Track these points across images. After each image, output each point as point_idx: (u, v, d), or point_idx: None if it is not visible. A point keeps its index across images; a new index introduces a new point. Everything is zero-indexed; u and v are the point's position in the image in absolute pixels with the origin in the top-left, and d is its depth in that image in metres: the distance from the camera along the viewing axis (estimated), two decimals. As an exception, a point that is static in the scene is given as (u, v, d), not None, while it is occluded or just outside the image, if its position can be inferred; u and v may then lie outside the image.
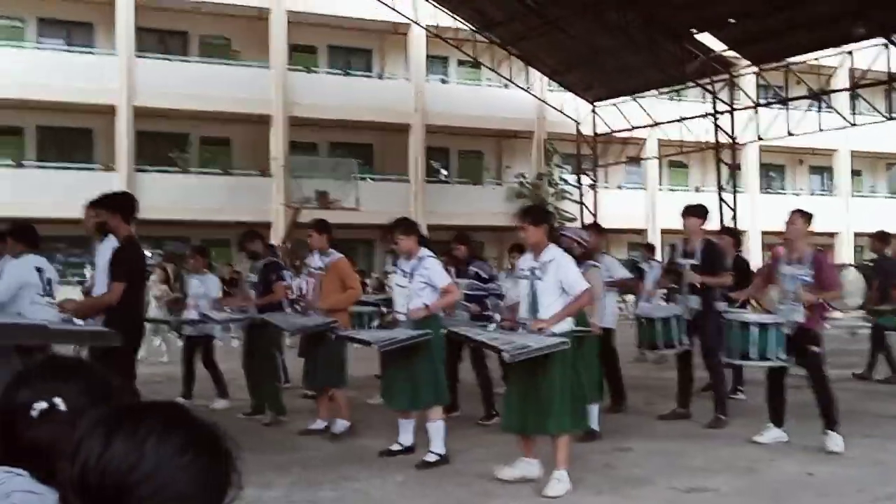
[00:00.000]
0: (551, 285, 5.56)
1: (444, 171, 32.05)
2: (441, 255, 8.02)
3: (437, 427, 6.35)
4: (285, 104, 27.24)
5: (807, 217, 6.84)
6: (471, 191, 29.79)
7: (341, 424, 7.40)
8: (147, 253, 10.75)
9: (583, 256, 7.35)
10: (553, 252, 5.67)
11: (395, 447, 6.58)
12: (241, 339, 9.63)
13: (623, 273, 8.75)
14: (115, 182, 22.41)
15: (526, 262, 5.78)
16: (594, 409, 7.14)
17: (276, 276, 8.38)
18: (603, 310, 7.82)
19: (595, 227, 8.98)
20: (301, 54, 28.90)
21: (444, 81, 31.46)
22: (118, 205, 6.10)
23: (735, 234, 10.42)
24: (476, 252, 8.38)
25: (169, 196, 24.07)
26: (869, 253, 14.04)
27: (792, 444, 6.70)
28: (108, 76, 25.03)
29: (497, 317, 7.93)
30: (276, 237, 21.82)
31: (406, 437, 6.61)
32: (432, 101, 29.23)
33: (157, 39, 27.46)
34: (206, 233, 25.32)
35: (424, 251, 6.52)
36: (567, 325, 5.62)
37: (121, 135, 25.39)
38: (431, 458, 6.26)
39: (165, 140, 27.46)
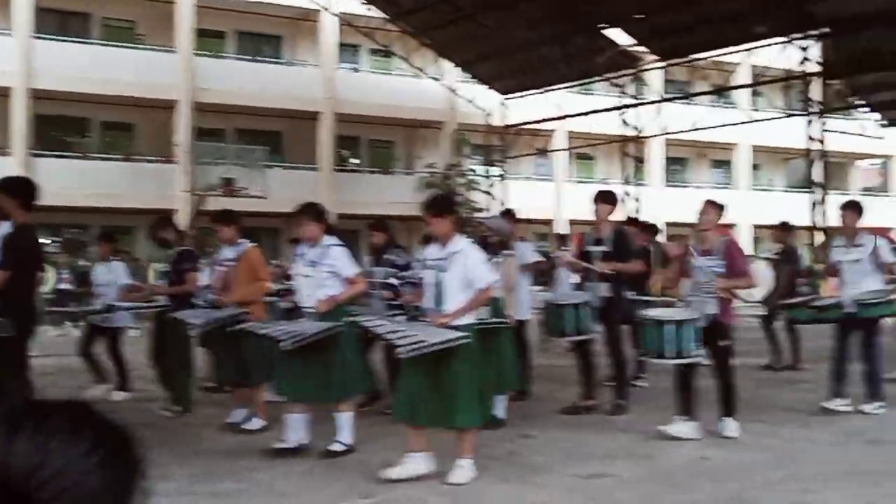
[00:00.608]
0: (457, 277, 5.49)
1: (354, 160, 31.86)
2: (357, 242, 7.95)
3: (346, 418, 6.22)
4: (191, 90, 26.62)
5: (719, 208, 6.89)
6: (381, 180, 29.69)
7: (257, 422, 7.16)
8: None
9: (499, 245, 7.39)
10: (460, 243, 5.60)
11: (283, 444, 6.26)
12: (147, 329, 9.31)
13: (534, 258, 8.71)
14: (9, 166, 21.55)
15: (433, 252, 5.69)
16: (502, 399, 7.19)
17: (191, 265, 8.05)
18: (522, 299, 7.84)
19: (509, 215, 8.94)
20: (208, 39, 28.26)
21: (355, 70, 31.23)
22: (17, 190, 5.85)
23: (650, 227, 10.52)
24: (394, 240, 8.26)
25: (67, 182, 23.25)
26: (768, 244, 14.51)
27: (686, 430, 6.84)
28: (2, 57, 24.05)
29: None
30: (181, 225, 21.33)
31: (296, 435, 6.29)
32: (343, 90, 28.98)
33: (58, 20, 26.48)
34: (107, 220, 24.59)
35: (330, 239, 6.37)
36: (470, 318, 5.55)
37: (16, 118, 24.44)
38: (338, 447, 6.17)
39: (65, 124, 26.59)
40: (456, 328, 5.36)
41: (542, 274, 10.66)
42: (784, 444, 6.60)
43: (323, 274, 6.22)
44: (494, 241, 7.42)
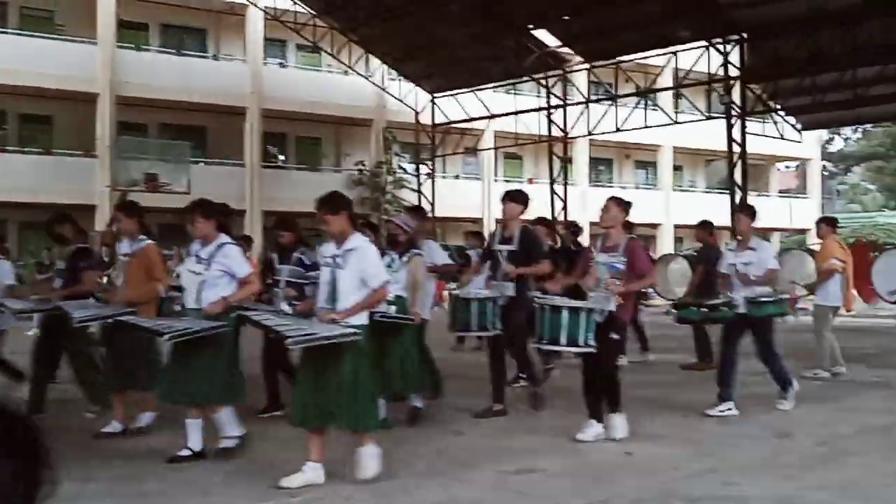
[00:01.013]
0: (352, 275, 5.34)
1: (281, 157, 31.56)
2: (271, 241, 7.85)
3: (223, 416, 6.02)
4: (113, 82, 26.04)
5: (623, 205, 6.87)
6: (309, 177, 29.46)
7: (147, 416, 6.91)
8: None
9: (407, 243, 7.34)
10: (356, 241, 5.45)
11: (184, 452, 5.97)
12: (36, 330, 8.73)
13: (443, 259, 8.56)
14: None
15: (328, 249, 5.53)
16: (416, 398, 7.22)
17: (86, 264, 7.61)
18: (426, 298, 7.75)
19: (418, 212, 8.78)
20: (131, 31, 27.68)
21: (282, 65, 30.96)
22: None
23: (572, 226, 10.57)
24: (303, 238, 8.09)
25: (-19, 176, 22.57)
26: (689, 244, 14.79)
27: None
28: (-89, 45, 23.20)
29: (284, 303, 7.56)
30: (101, 221, 20.86)
31: (195, 441, 6.00)
32: (270, 85, 28.69)
33: (-28, 9, 25.66)
34: (25, 215, 23.93)
35: (224, 237, 6.14)
36: (362, 318, 5.42)
37: (-74, 108, 23.61)
38: (229, 443, 6.02)
39: (-21, 116, 25.77)
40: (348, 327, 5.21)
41: (461, 273, 10.56)
42: (705, 439, 6.76)
43: (215, 273, 5.98)
44: (403, 239, 7.35)
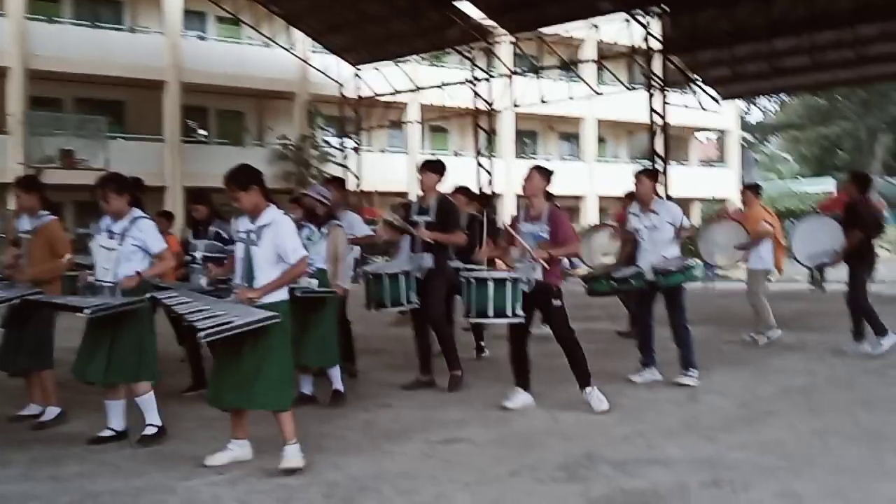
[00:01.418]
0: (267, 251, 5.20)
1: (202, 131, 30.94)
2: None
3: (145, 400, 5.86)
4: (24, 56, 25.15)
5: (545, 174, 6.86)
6: (231, 152, 28.89)
7: (51, 411, 6.59)
8: None
9: (326, 215, 7.23)
10: (271, 215, 5.26)
11: (106, 433, 5.86)
12: None
13: (364, 230, 8.46)
14: None
15: (242, 224, 5.35)
16: (336, 370, 7.12)
17: None
18: (348, 270, 7.65)
19: (337, 183, 8.65)
20: (42, 3, 26.72)
21: (201, 38, 30.24)
22: None
23: (478, 196, 10.36)
24: (218, 212, 7.92)
25: None
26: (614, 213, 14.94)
27: (541, 395, 7.02)
28: None
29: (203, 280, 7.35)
30: (13, 199, 20.17)
31: (117, 421, 5.89)
32: (189, 58, 28.04)
33: None
34: (-67, 195, 23.02)
35: (137, 212, 5.95)
36: (282, 294, 5.29)
37: None
38: (150, 430, 5.84)
39: None
40: (266, 305, 5.11)
41: (389, 245, 10.46)
42: (630, 404, 6.87)
43: (129, 248, 5.82)
44: (321, 211, 7.24)
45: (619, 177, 33.72)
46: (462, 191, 9.39)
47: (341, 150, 28.66)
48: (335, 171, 27.95)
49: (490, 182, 24.48)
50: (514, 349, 6.93)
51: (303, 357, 6.61)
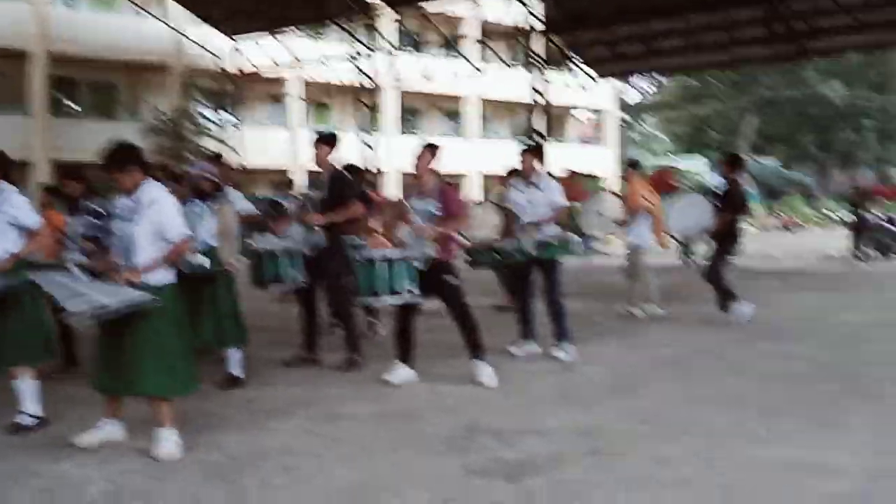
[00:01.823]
0: (147, 229, 5.00)
1: (72, 105, 29.66)
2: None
3: (26, 387, 5.58)
4: None
5: (433, 150, 6.87)
6: (104, 126, 27.76)
7: None
8: None
9: (213, 191, 7.05)
10: (151, 193, 5.06)
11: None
12: None
13: (247, 207, 8.18)
14: None
15: (121, 202, 5.15)
16: (236, 354, 6.98)
17: None
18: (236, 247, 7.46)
19: (217, 160, 8.43)
20: None
21: (68, 6, 28.90)
22: None
23: (358, 170, 10.16)
24: (93, 188, 7.61)
25: None
26: (497, 190, 14.99)
27: (423, 369, 7.05)
28: None
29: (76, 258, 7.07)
30: None
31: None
32: (57, 28, 26.76)
33: None
34: None
35: (6, 185, 5.64)
36: (166, 276, 5.10)
37: None
38: (25, 420, 5.54)
39: None
40: (148, 288, 4.92)
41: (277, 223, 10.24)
42: (510, 376, 6.97)
43: (1, 225, 5.51)
44: (206, 187, 7.04)
45: (502, 154, 34.29)
46: (350, 169, 9.28)
47: (220, 125, 27.97)
48: (213, 146, 27.29)
49: (374, 159, 24.36)
50: (398, 324, 6.93)
51: (200, 338, 6.48)
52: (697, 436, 5.13)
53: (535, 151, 8.18)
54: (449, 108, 39.30)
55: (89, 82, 29.86)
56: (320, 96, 30.66)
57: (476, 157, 37.70)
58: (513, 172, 11.17)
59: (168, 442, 4.95)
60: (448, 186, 6.92)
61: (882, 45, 29.58)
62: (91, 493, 4.33)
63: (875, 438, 5.00)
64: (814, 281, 15.49)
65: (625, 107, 57.07)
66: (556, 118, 33.40)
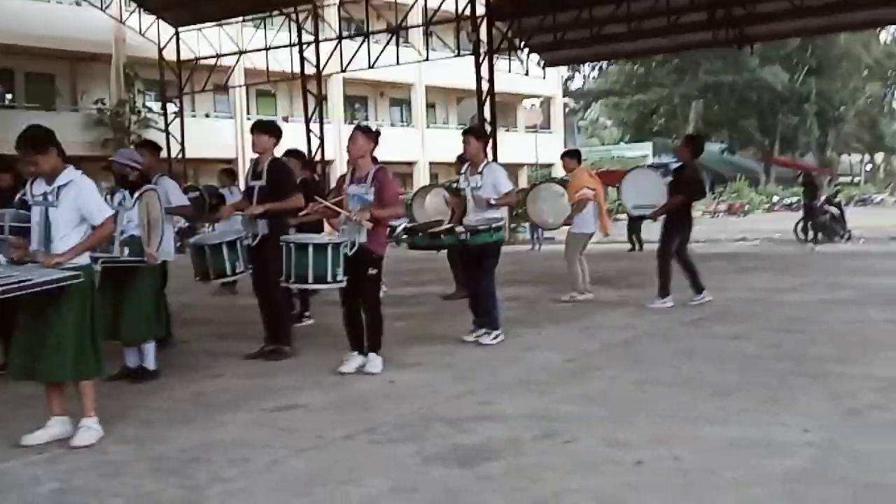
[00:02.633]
0: (67, 212, 4.91)
1: (8, 95, 28.92)
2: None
3: None
4: None
5: (369, 134, 6.76)
6: (42, 117, 26.95)
7: None
8: None
9: (140, 179, 6.86)
10: (70, 174, 4.98)
11: None
12: None
13: (181, 200, 7.96)
14: None
15: (38, 187, 5.03)
16: (151, 346, 6.71)
17: None
18: (164, 239, 7.24)
19: (150, 146, 8.18)
20: None
21: (4, -6, 28.14)
22: None
23: (301, 156, 10.07)
24: (23, 179, 7.42)
25: None
26: (444, 179, 14.98)
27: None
28: None
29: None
30: None
31: None
32: (-8, 16, 26.05)
33: None
34: None
35: None
36: (84, 258, 4.98)
37: None
38: None
39: None
40: (67, 269, 4.80)
41: (213, 212, 10.03)
42: (463, 363, 6.96)
43: None
44: (133, 177, 6.87)
45: (450, 143, 34.27)
46: (293, 153, 9.16)
47: (163, 115, 27.50)
48: (157, 137, 26.81)
49: (321, 147, 24.15)
50: (347, 313, 6.85)
51: (118, 332, 6.37)
52: (649, 418, 5.15)
53: (477, 134, 8.06)
54: (397, 97, 39.18)
55: (27, 72, 29.14)
56: (265, 85, 30.25)
57: (424, 145, 37.68)
58: (461, 159, 11.14)
59: (91, 431, 4.95)
60: (383, 172, 6.71)
61: (820, 31, 30.18)
62: (40, 492, 4.21)
63: (823, 415, 5.08)
64: (761, 263, 15.77)
65: (570, 93, 57.43)
66: (503, 106, 33.45)
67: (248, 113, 32.99)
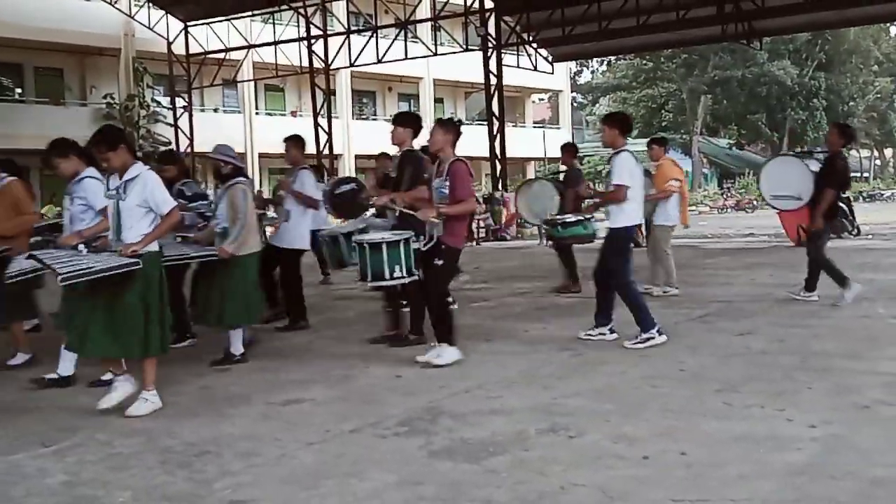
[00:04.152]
0: (135, 205, 5.38)
1: (18, 90, 29.01)
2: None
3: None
4: None
5: (445, 125, 6.73)
6: (51, 112, 27.30)
7: (21, 357, 6.97)
8: None
9: (233, 173, 7.11)
10: (137, 169, 5.46)
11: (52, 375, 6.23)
12: None
13: (315, 193, 8.43)
14: None
15: (112, 182, 5.50)
16: (238, 332, 7.03)
17: None
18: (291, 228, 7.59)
19: (294, 140, 8.71)
20: None
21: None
22: None
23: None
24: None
25: None
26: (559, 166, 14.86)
27: (382, 354, 7.07)
28: None
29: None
30: None
31: (64, 366, 6.24)
32: (2, 11, 26.11)
33: None
34: None
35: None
36: (151, 246, 5.44)
37: None
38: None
39: None
40: (140, 257, 5.28)
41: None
42: (471, 358, 6.96)
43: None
44: (227, 170, 7.14)
45: (463, 136, 34.26)
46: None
47: (172, 110, 27.56)
48: (166, 132, 26.91)
49: (329, 142, 24.18)
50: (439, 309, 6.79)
51: (216, 317, 6.99)
52: (656, 413, 5.16)
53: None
54: (404, 91, 39.17)
55: (35, 67, 29.24)
56: (273, 80, 30.30)
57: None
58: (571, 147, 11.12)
59: (148, 402, 5.42)
60: (458, 165, 6.64)
61: (830, 25, 30.06)
62: (48, 484, 4.25)
63: (827, 411, 5.08)
64: (768, 258, 15.72)
65: (578, 88, 57.30)
66: (511, 100, 33.43)
67: (256, 108, 33.05)
